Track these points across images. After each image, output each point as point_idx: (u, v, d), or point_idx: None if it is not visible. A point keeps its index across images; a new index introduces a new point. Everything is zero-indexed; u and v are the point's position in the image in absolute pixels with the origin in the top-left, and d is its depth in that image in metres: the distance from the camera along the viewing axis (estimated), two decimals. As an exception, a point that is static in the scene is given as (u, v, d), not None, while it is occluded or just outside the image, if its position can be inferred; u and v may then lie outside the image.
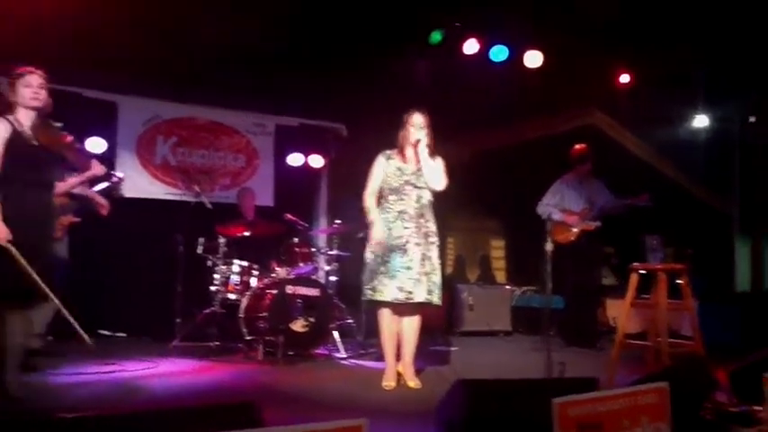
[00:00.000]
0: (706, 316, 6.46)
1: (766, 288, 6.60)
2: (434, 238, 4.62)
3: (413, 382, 4.56)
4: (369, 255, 4.64)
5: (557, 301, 6.88)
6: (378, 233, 4.54)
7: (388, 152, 4.74)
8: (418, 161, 4.59)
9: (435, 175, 4.59)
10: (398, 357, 4.69)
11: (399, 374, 4.65)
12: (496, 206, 9.37)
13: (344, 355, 5.90)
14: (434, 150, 4.64)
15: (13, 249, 3.69)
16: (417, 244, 4.52)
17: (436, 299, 4.56)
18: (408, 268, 4.47)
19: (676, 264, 4.63)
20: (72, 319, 3.91)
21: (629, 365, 4.88)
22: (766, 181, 6.59)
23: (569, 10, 7.00)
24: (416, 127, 4.61)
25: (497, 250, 10.09)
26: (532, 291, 8.45)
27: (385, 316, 4.62)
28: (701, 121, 8.14)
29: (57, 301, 3.91)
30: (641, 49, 7.51)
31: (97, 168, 4.96)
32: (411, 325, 4.66)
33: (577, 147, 6.99)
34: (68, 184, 5.03)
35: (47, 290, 3.79)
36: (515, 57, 7.63)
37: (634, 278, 4.52)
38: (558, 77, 7.65)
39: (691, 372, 3.15)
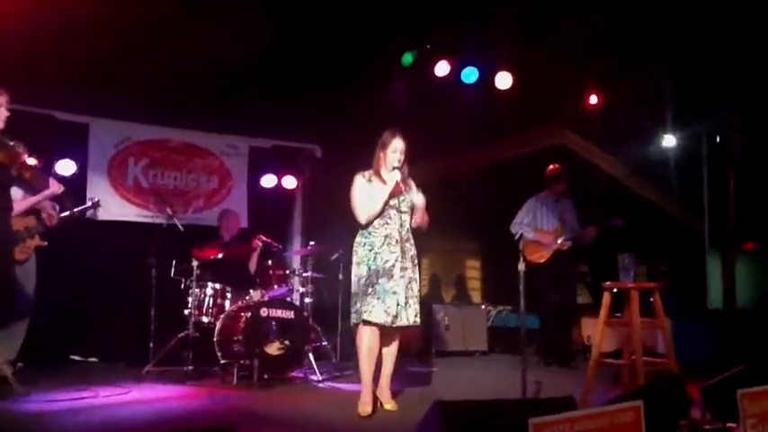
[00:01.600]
0: (679, 333, 6.54)
1: (739, 305, 6.68)
2: (416, 261, 4.63)
3: (389, 405, 4.53)
4: (354, 278, 4.58)
5: (531, 320, 6.91)
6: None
7: (365, 174, 4.66)
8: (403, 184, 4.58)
9: (424, 220, 4.61)
10: (375, 380, 4.64)
11: (375, 398, 4.59)
12: (471, 226, 9.41)
13: (320, 378, 5.86)
14: (409, 174, 4.66)
15: None
16: (404, 268, 4.50)
17: (419, 320, 4.57)
18: (394, 293, 4.43)
19: (649, 282, 4.67)
20: None
21: (604, 384, 4.91)
22: (736, 199, 6.69)
23: (538, 32, 7.10)
24: (397, 152, 4.56)
25: (473, 270, 10.13)
26: (508, 310, 8.48)
27: (367, 336, 4.48)
28: (669, 140, 8.27)
29: None
30: (610, 70, 7.63)
31: (55, 187, 4.90)
32: (390, 348, 4.62)
33: (551, 167, 7.07)
34: (26, 203, 4.97)
35: None
36: (486, 78, 7.71)
37: (607, 297, 4.55)
38: (529, 99, 7.74)
39: (666, 389, 3.17)
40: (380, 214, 4.54)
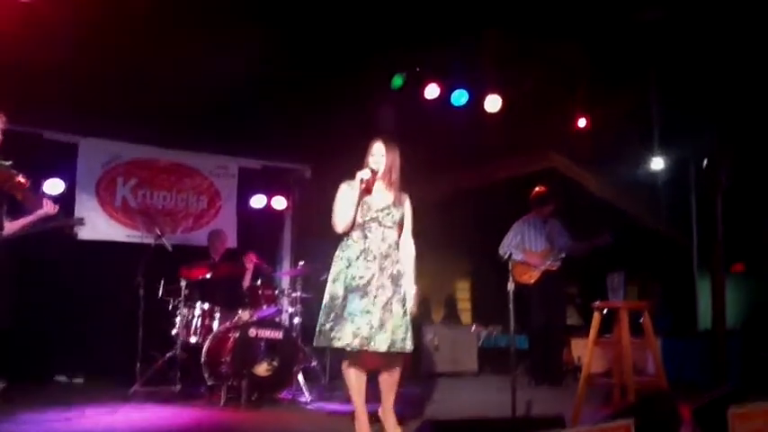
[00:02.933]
0: (670, 353, 6.54)
1: (729, 325, 6.70)
2: (399, 281, 4.24)
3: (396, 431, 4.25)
4: (327, 295, 4.23)
5: (521, 340, 6.90)
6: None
7: (351, 183, 4.31)
8: (392, 196, 4.34)
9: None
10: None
11: (372, 422, 4.27)
12: (461, 247, 9.41)
13: (309, 399, 5.80)
14: (402, 186, 4.41)
15: None
16: (381, 287, 4.11)
17: (409, 346, 4.13)
18: (368, 312, 4.03)
19: (639, 301, 4.67)
20: None
21: (594, 403, 4.89)
22: (724, 221, 6.75)
23: (526, 56, 7.17)
24: (376, 155, 4.28)
25: (463, 291, 10.12)
26: (498, 331, 8.47)
27: (349, 371, 4.19)
28: (657, 163, 8.33)
29: None
30: (598, 92, 7.71)
31: (49, 206, 4.86)
32: (392, 376, 4.26)
33: (537, 190, 7.11)
34: (20, 223, 4.92)
35: None
36: (476, 101, 7.75)
37: (597, 317, 4.55)
38: (518, 121, 7.78)
39: (657, 408, 3.16)
40: (355, 222, 4.21)
